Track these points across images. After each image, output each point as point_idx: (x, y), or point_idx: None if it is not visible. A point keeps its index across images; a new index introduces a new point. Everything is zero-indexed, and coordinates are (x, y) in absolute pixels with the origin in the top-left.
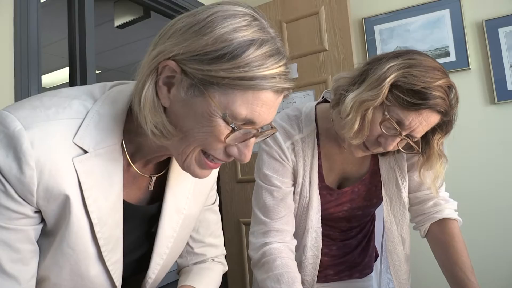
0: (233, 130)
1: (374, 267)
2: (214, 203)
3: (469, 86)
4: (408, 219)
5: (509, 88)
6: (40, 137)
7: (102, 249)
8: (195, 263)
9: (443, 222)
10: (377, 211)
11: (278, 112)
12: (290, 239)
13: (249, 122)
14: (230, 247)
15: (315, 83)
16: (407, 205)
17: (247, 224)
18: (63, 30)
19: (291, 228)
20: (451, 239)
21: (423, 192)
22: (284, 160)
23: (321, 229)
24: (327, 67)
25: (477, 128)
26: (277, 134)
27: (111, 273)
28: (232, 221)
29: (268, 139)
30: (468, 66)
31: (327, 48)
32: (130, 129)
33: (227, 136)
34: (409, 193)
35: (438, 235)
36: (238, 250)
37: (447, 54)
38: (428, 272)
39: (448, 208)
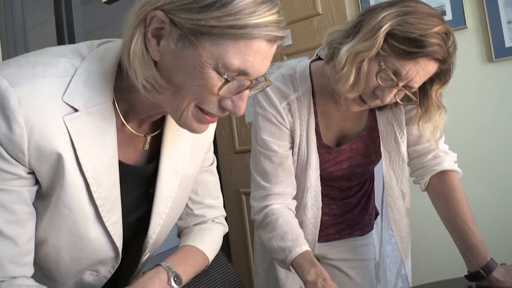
0: (226, 81)
1: (374, 225)
2: (211, 164)
3: (466, 44)
4: (407, 173)
5: (506, 46)
6: (28, 94)
7: (100, 209)
8: (195, 225)
9: (443, 174)
10: (376, 169)
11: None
12: (290, 200)
13: (242, 73)
14: (231, 217)
15: (309, 48)
16: (406, 160)
17: (248, 194)
18: (51, 10)
19: (291, 190)
20: (451, 190)
21: (422, 146)
22: (280, 123)
23: (320, 188)
24: (321, 31)
25: (475, 87)
26: (272, 95)
27: (111, 234)
28: (232, 192)
29: (263, 101)
30: (465, 24)
31: (321, 12)
32: (121, 87)
33: (220, 88)
34: (408, 147)
35: (438, 188)
36: (240, 221)
37: (443, 13)
38: (429, 226)
39: (448, 160)
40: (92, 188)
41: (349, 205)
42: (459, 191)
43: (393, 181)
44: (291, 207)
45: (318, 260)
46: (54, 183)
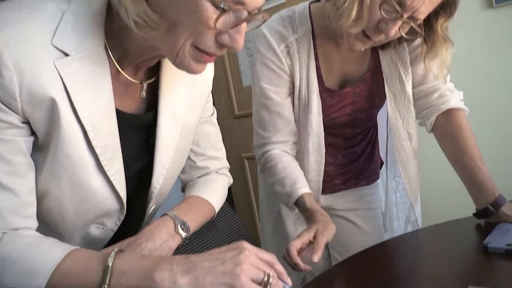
0: (223, 11)
1: (380, 175)
2: (212, 115)
3: None
4: (413, 114)
5: None
6: (15, 38)
7: (101, 158)
8: (199, 177)
9: (449, 113)
10: (379, 118)
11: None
12: (291, 145)
13: (239, 2)
14: (235, 183)
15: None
16: (412, 100)
17: (250, 159)
18: None
19: (291, 138)
20: (458, 128)
21: (427, 85)
22: (279, 67)
23: (323, 134)
24: None
25: (475, 33)
26: (270, 37)
27: (114, 184)
28: (234, 157)
29: (260, 46)
30: None
31: None
32: (112, 32)
33: (217, 20)
34: (412, 88)
35: (445, 127)
36: (244, 186)
37: None
38: (435, 169)
39: (454, 99)
40: (90, 136)
41: (354, 154)
42: (466, 129)
43: (399, 123)
44: (292, 152)
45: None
46: (50, 132)
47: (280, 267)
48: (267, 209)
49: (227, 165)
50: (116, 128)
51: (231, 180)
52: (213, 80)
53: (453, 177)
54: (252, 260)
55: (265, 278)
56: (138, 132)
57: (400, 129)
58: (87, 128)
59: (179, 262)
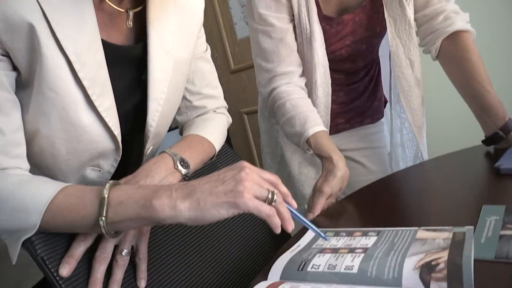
0: None
1: (384, 114)
2: (206, 51)
3: None
4: (415, 40)
5: None
6: None
7: (89, 92)
8: (197, 117)
9: (456, 35)
10: (382, 56)
11: None
12: (297, 78)
13: None
14: (235, 139)
15: None
16: (413, 25)
17: (249, 113)
18: None
19: (296, 68)
20: (465, 52)
21: (431, 8)
22: None
23: (328, 64)
24: None
25: None
26: None
27: (106, 121)
28: (232, 113)
29: None
30: None
31: None
32: None
33: None
34: (415, 13)
35: (451, 50)
36: (245, 141)
37: None
38: (440, 99)
39: (460, 20)
40: (76, 67)
41: (356, 91)
42: (473, 52)
43: (399, 50)
44: (300, 84)
45: None
46: (32, 64)
47: (284, 188)
48: (270, 155)
49: (225, 104)
50: (104, 60)
51: (230, 120)
52: (205, 35)
53: (459, 106)
54: (254, 178)
55: (269, 196)
56: (129, 66)
57: (401, 56)
58: (72, 59)
59: (178, 188)
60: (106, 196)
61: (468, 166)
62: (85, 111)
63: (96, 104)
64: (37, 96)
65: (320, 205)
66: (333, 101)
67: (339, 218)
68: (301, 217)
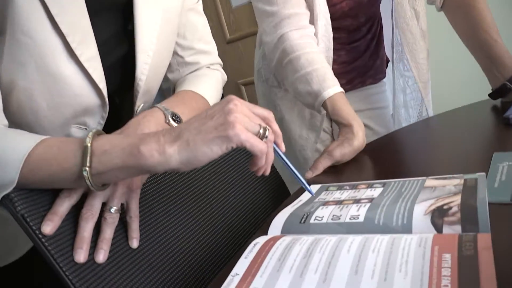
0: None
1: (386, 74)
2: (197, 2)
3: None
4: None
5: None
6: None
7: (69, 40)
8: (189, 74)
9: None
10: (384, 13)
11: None
12: (306, 23)
13: None
14: None
15: None
16: None
17: (246, 84)
18: None
19: (303, 10)
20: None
21: None
22: None
23: (329, 15)
24: None
25: None
26: None
27: (89, 72)
28: (229, 85)
29: None
30: None
31: None
32: None
33: None
34: None
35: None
36: None
37: None
38: (445, 55)
39: None
40: (53, 11)
41: (358, 50)
42: (480, 0)
43: (404, 0)
44: (310, 33)
45: None
46: (3, 8)
47: (276, 126)
48: None
49: (220, 61)
50: (84, 5)
51: (226, 77)
52: None
53: (465, 60)
54: (244, 110)
55: (261, 131)
56: (113, 14)
57: (405, 6)
58: (47, 2)
59: (165, 133)
60: (89, 145)
61: (475, 119)
62: (65, 60)
63: (77, 53)
64: (11, 43)
65: (323, 167)
66: (334, 61)
67: (342, 173)
68: (288, 163)
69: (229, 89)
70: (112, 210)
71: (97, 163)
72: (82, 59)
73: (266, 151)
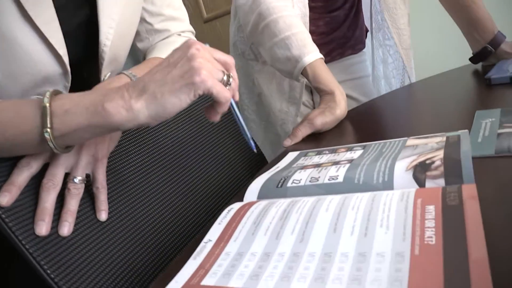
0: None
1: (365, 44)
2: None
3: None
4: None
5: None
6: None
7: (22, 1)
8: (159, 42)
9: None
10: None
11: None
12: None
13: None
14: None
15: None
16: None
17: None
18: None
19: None
20: None
21: None
22: None
23: None
24: None
25: None
26: None
27: (47, 36)
28: None
29: None
30: None
31: None
32: None
33: None
34: None
35: None
36: None
37: None
38: (425, 21)
39: None
40: None
41: (337, 20)
42: None
43: None
44: None
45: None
46: None
47: (235, 73)
48: (246, 95)
49: (191, 29)
50: None
51: None
52: None
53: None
54: (206, 55)
55: (224, 78)
56: None
57: None
58: None
59: (129, 87)
60: (47, 105)
61: (457, 83)
62: (19, 23)
63: (31, 14)
64: None
65: (303, 135)
66: (312, 32)
67: (321, 140)
68: (238, 114)
69: None
70: (76, 180)
71: (59, 124)
72: (38, 22)
73: (229, 100)
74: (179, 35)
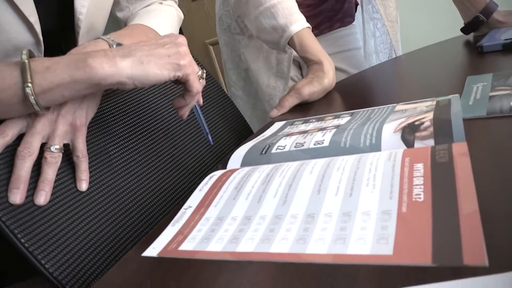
0: None
1: (355, 18)
2: None
3: None
4: None
5: None
6: None
7: None
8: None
9: None
10: None
11: None
12: None
13: None
14: None
15: None
16: None
17: (214, 44)
18: None
19: None
20: None
21: None
22: None
23: None
24: None
25: None
26: None
27: (16, 2)
28: (197, 45)
29: None
30: None
31: None
32: None
33: None
34: None
35: None
36: (212, 74)
37: None
38: None
39: None
40: None
41: None
42: None
43: None
44: None
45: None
46: None
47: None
48: (234, 71)
49: None
50: None
51: (182, 16)
52: None
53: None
54: (188, 50)
55: (199, 73)
56: None
57: None
58: None
59: (112, 50)
60: (26, 61)
61: (448, 52)
62: None
63: None
64: None
65: (290, 106)
66: (299, 4)
67: (309, 110)
68: (199, 111)
69: (196, 49)
70: (53, 149)
71: (41, 79)
72: None
73: (199, 92)
74: (161, 3)
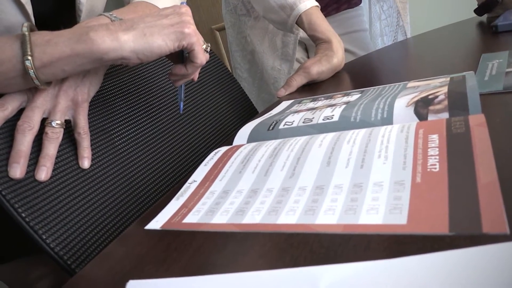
0: None
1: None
2: None
3: None
4: None
5: None
6: None
7: None
8: None
9: None
10: None
11: None
12: None
13: None
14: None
15: None
16: None
17: (221, 30)
18: None
19: None
20: None
21: None
22: None
23: None
24: None
25: None
26: None
27: None
28: (204, 32)
29: None
30: None
31: None
32: None
33: None
34: None
35: None
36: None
37: None
38: None
39: None
40: None
41: None
42: None
43: None
44: None
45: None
46: None
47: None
48: (239, 53)
49: None
50: None
51: None
52: None
53: None
54: (192, 20)
55: (204, 45)
56: None
57: None
58: None
59: (114, 23)
60: (27, 33)
61: (461, 33)
62: None
63: None
64: None
65: (298, 85)
66: None
67: (316, 90)
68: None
69: (202, 34)
70: (54, 124)
71: (41, 53)
72: None
73: (203, 64)
74: None
